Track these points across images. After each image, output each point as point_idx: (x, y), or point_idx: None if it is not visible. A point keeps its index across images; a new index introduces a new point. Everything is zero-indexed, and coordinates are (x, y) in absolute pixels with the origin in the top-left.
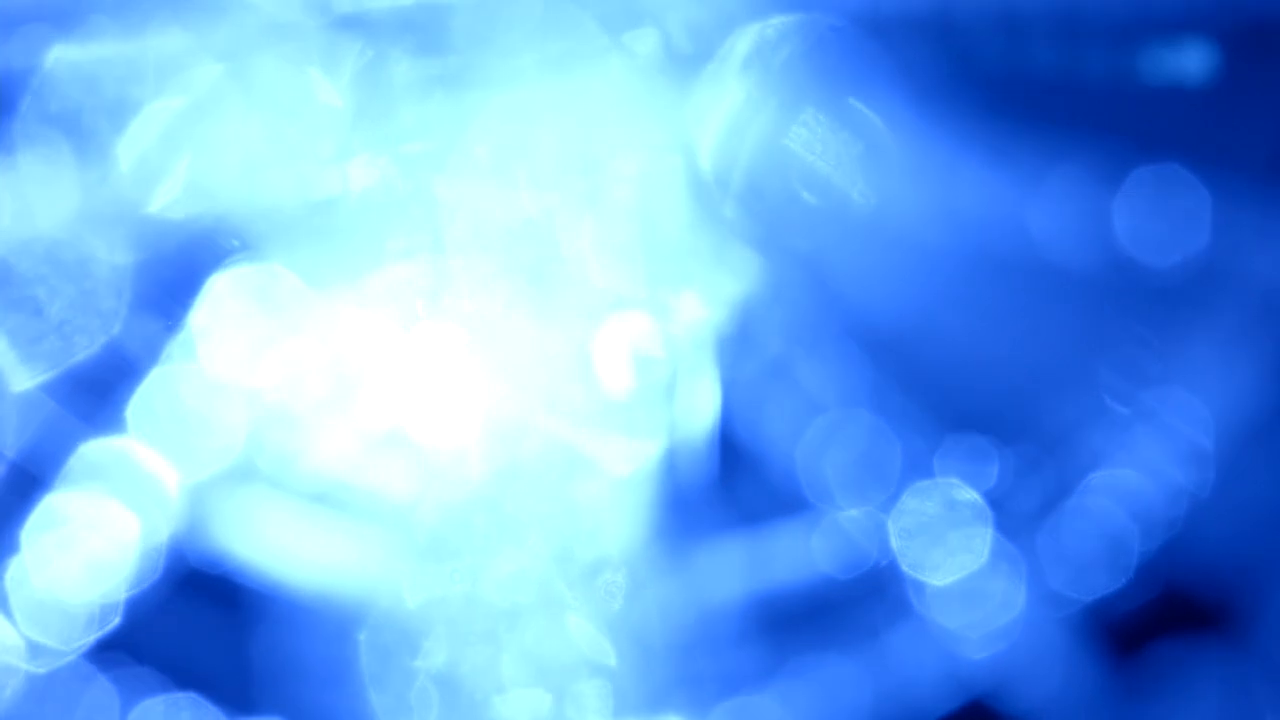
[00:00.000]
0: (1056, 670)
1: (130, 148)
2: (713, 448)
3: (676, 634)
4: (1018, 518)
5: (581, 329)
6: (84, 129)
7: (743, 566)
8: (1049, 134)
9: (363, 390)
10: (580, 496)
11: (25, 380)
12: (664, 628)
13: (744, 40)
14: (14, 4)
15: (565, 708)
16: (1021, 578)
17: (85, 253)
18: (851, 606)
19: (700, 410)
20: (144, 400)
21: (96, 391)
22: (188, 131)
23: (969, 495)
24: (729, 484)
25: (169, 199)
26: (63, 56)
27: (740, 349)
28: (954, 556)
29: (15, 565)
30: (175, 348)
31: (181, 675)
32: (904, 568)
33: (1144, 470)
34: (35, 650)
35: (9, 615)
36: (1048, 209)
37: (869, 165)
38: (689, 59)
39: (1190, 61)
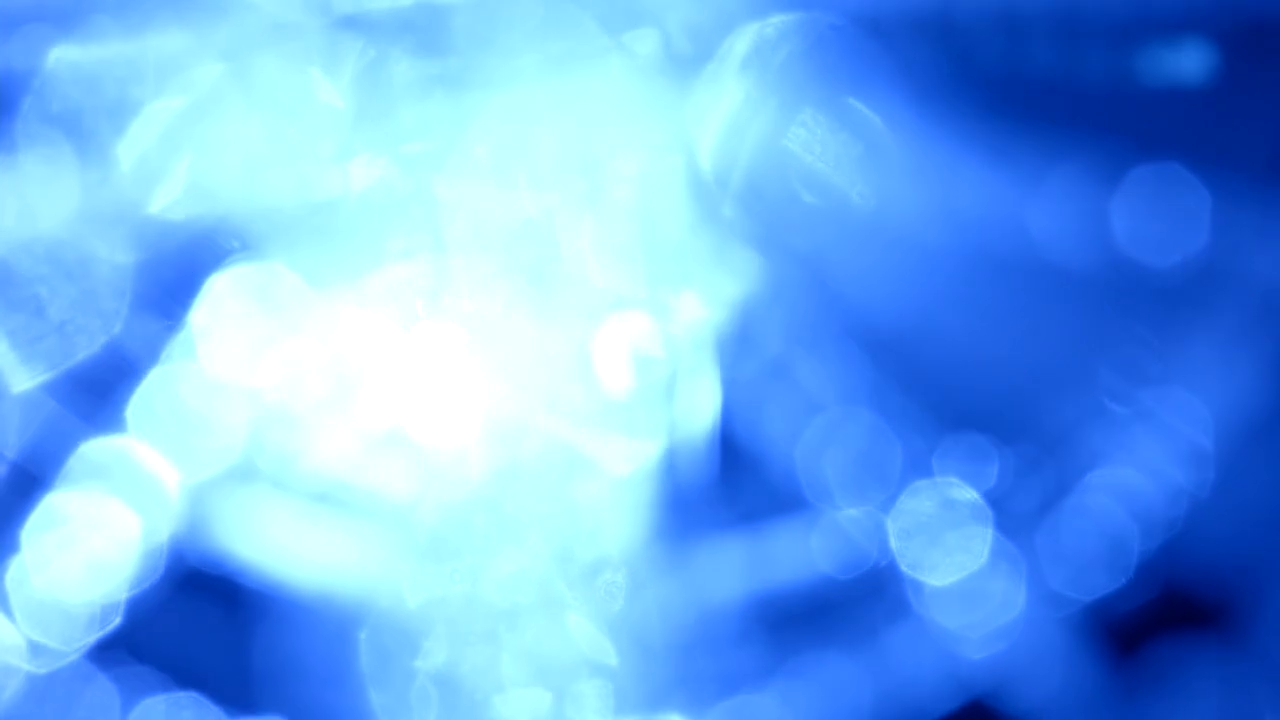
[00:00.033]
0: (1056, 670)
1: (131, 148)
2: (713, 448)
3: (676, 634)
4: (1017, 517)
5: (581, 329)
6: (85, 129)
7: (743, 566)
8: (1049, 134)
9: (363, 390)
10: (580, 496)
11: (26, 380)
12: (664, 628)
13: (743, 40)
14: (14, 4)
15: (565, 707)
16: (1021, 578)
17: (86, 253)
18: (851, 606)
19: (700, 410)
20: (144, 400)
21: (97, 391)
22: (188, 132)
23: (969, 495)
24: (729, 484)
25: (170, 199)
26: (64, 57)
27: (740, 349)
28: (954, 556)
29: (16, 565)
30: (176, 347)
31: (182, 674)
32: (903, 567)
33: (1144, 470)
34: (36, 650)
35: (10, 615)
36: (1048, 209)
37: (869, 165)
38: (689, 59)
39: (1190, 61)
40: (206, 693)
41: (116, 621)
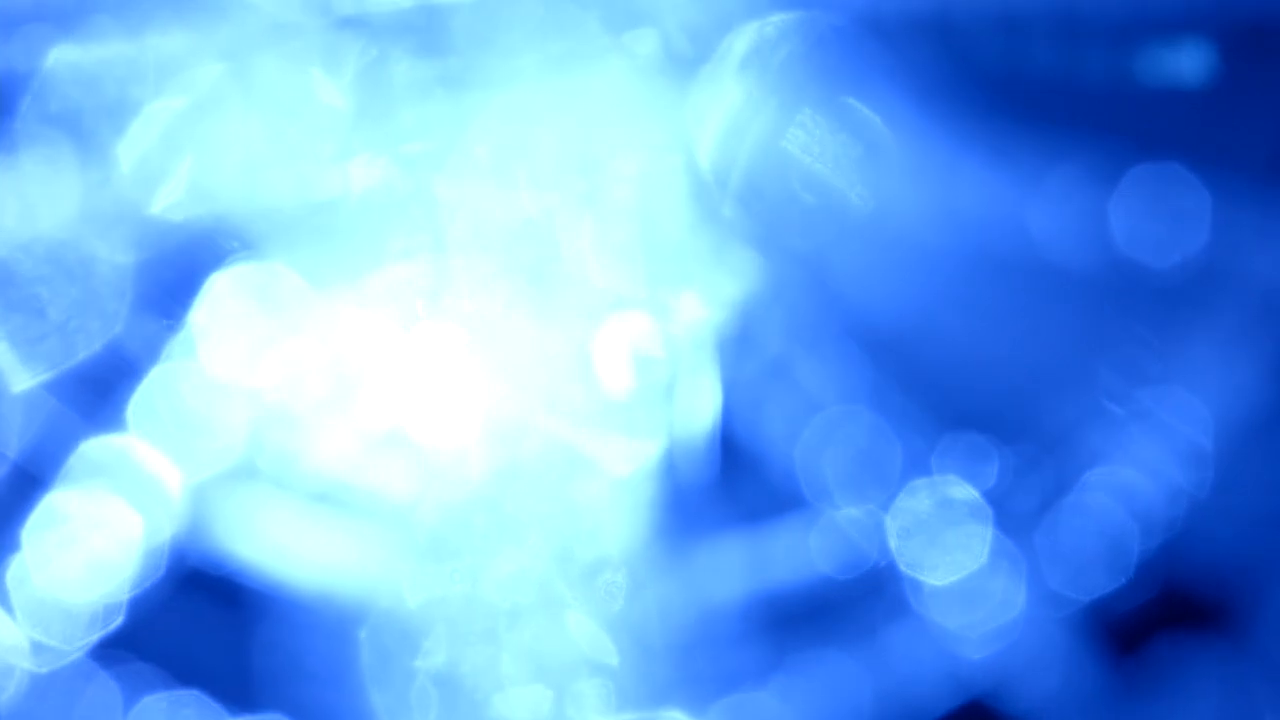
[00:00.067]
0: (1056, 670)
1: (131, 148)
2: (713, 448)
3: (676, 633)
4: (1017, 517)
5: (581, 329)
6: (85, 129)
7: (743, 566)
8: (1049, 134)
9: (363, 390)
10: (580, 496)
11: (27, 380)
12: (664, 627)
13: (743, 40)
14: (15, 4)
15: (565, 707)
16: (1021, 577)
17: (87, 253)
18: (851, 606)
19: (700, 410)
20: (145, 399)
21: (98, 390)
22: (189, 132)
23: (968, 494)
24: (729, 484)
25: (170, 199)
26: (64, 57)
27: (740, 349)
28: (953, 556)
29: (18, 564)
30: (176, 347)
31: (183, 673)
32: (903, 567)
33: (1144, 470)
34: (38, 649)
35: (11, 614)
36: (1048, 209)
37: (868, 165)
38: (689, 59)
39: (1190, 61)
40: (208, 691)
41: (118, 621)
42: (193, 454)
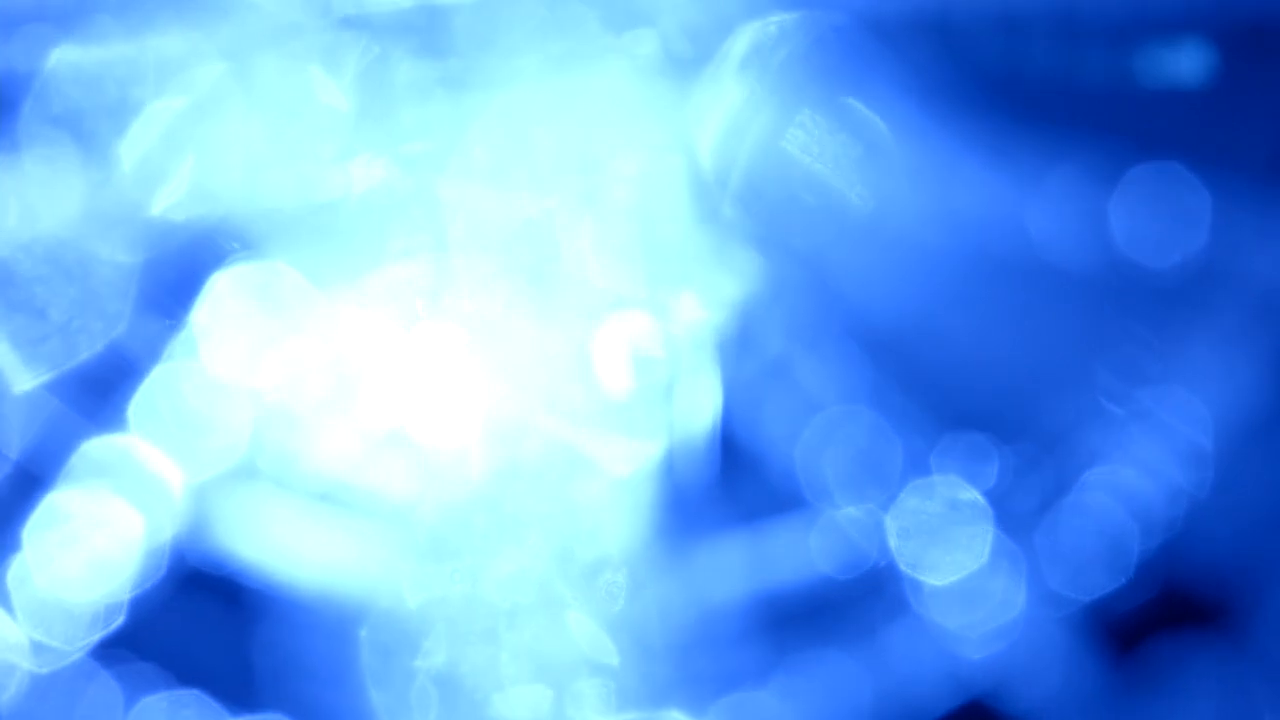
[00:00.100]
0: (1056, 670)
1: (132, 148)
2: (713, 448)
3: (676, 634)
4: (1017, 517)
5: (581, 329)
6: (86, 130)
7: (743, 566)
8: (1049, 134)
9: (364, 390)
10: (580, 496)
11: (28, 380)
12: (664, 627)
13: (743, 40)
14: (15, 4)
15: (565, 707)
16: (1021, 577)
17: (88, 253)
18: (851, 606)
19: (700, 410)
20: (147, 399)
21: (99, 390)
22: (190, 132)
23: (968, 494)
24: (729, 484)
25: (171, 199)
26: (65, 57)
27: (740, 349)
28: (953, 556)
29: (19, 564)
30: (178, 347)
31: (184, 673)
32: (903, 567)
33: (1143, 470)
34: (39, 649)
35: (12, 614)
36: (1048, 209)
37: (868, 165)
38: (689, 60)
39: (1190, 62)
40: (208, 691)
41: (119, 620)
42: (194, 454)
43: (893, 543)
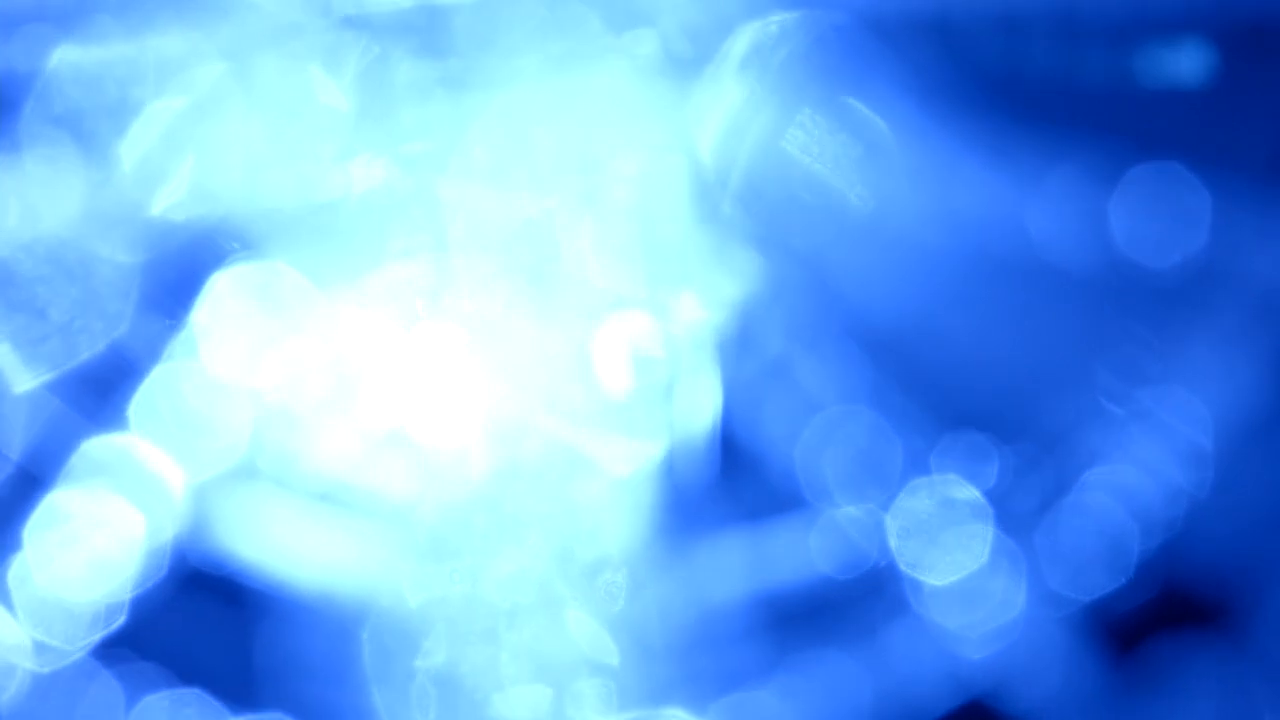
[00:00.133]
0: (1056, 670)
1: (133, 148)
2: (713, 448)
3: (676, 633)
4: (1017, 517)
5: (581, 329)
6: (87, 130)
7: (743, 566)
8: (1049, 134)
9: (364, 390)
10: (580, 496)
11: (29, 380)
12: (664, 627)
13: (743, 40)
14: (16, 4)
15: (565, 707)
16: (1021, 577)
17: (88, 253)
18: (851, 605)
19: (700, 410)
20: (147, 399)
21: (100, 390)
22: (190, 132)
23: (968, 494)
24: (729, 484)
25: (172, 199)
26: (65, 57)
27: (740, 349)
28: (953, 556)
29: (19, 564)
30: (178, 347)
31: (185, 672)
32: (903, 567)
33: (1143, 470)
34: (40, 649)
35: (13, 614)
36: (1048, 209)
37: (868, 165)
38: (689, 60)
39: (1190, 61)
40: (209, 690)
41: (120, 620)
42: (194, 453)
43: (893, 543)
